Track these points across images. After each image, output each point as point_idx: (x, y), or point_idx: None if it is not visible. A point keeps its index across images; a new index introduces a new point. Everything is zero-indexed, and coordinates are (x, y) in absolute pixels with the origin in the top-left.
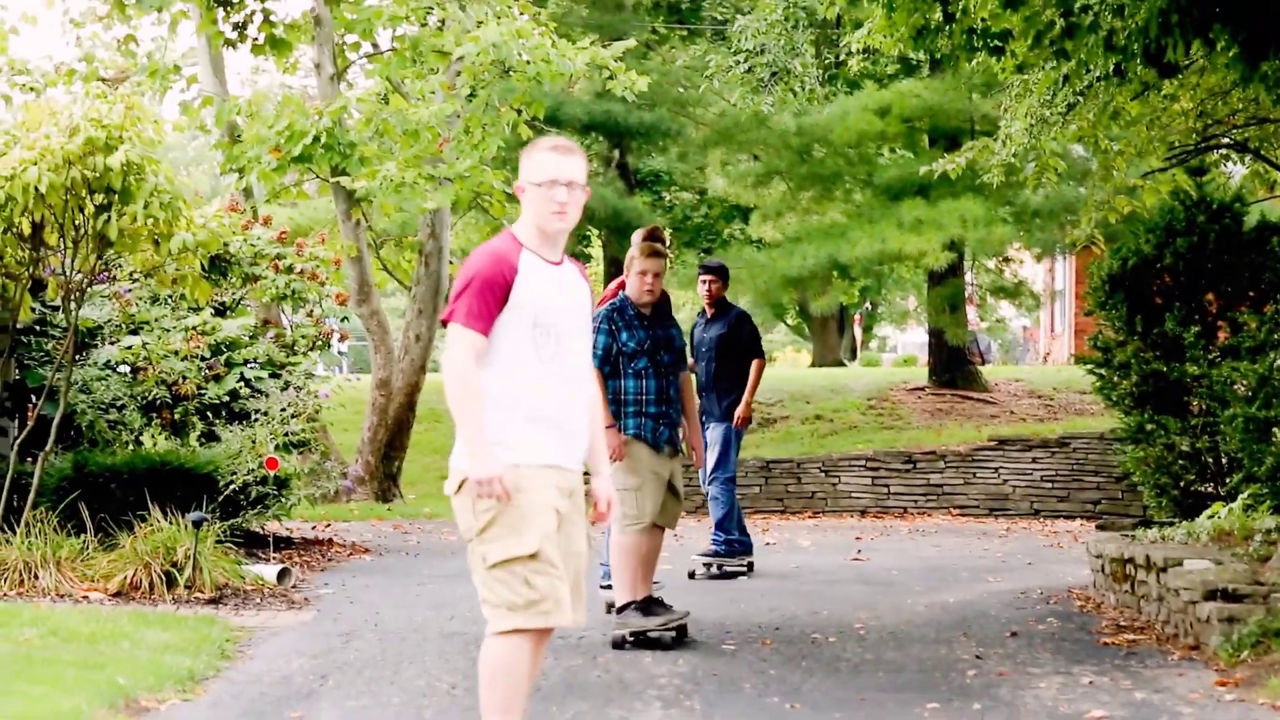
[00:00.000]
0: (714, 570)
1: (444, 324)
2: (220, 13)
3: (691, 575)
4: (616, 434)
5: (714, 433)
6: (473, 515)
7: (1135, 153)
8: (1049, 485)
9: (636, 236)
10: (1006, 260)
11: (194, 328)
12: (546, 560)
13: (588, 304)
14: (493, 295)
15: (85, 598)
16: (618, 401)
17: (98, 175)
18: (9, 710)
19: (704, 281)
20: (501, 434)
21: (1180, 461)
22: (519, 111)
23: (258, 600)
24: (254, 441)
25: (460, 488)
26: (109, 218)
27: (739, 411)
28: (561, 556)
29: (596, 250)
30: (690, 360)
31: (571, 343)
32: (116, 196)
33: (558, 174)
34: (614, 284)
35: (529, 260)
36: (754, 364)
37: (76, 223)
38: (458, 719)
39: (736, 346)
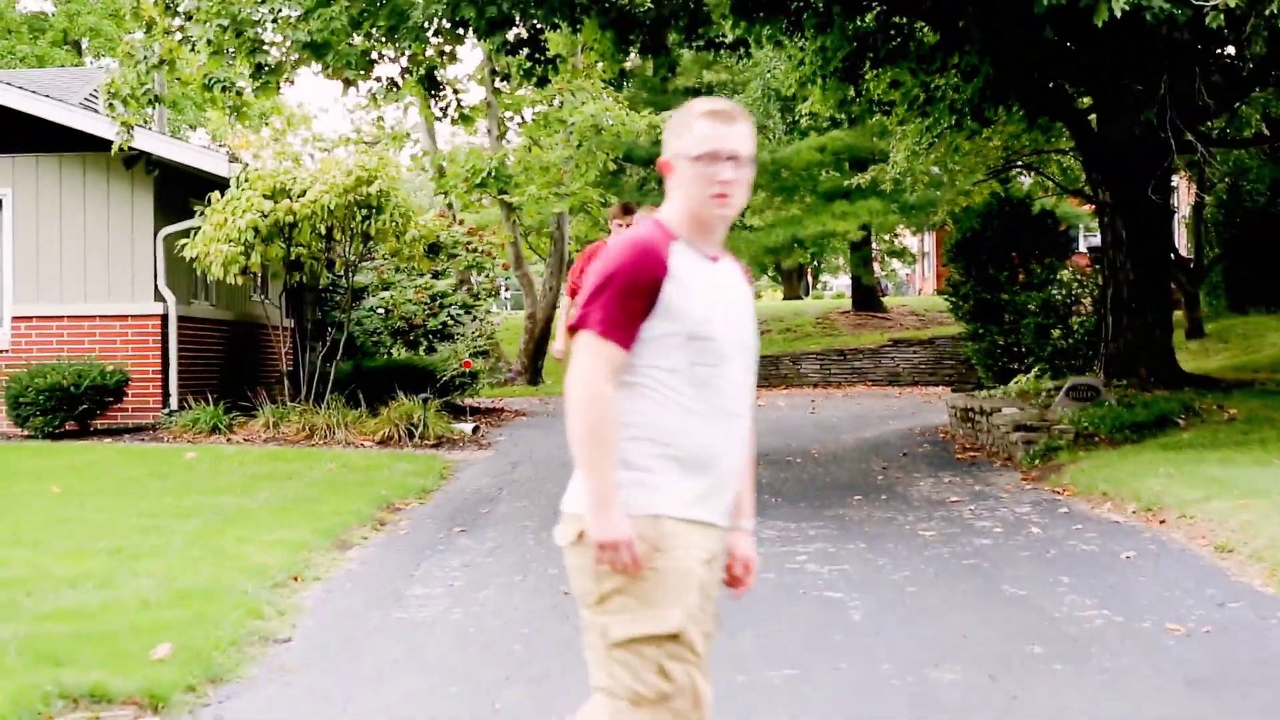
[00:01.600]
0: None
1: (571, 332)
2: (432, 101)
3: None
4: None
5: None
6: (592, 578)
7: (968, 170)
8: (923, 366)
9: (614, 210)
10: (895, 235)
11: (420, 285)
12: (687, 644)
13: (751, 312)
14: (638, 299)
15: (362, 445)
16: None
17: (363, 198)
18: (324, 508)
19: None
20: (642, 473)
21: (999, 350)
22: (607, 154)
23: (461, 445)
24: (456, 352)
25: (578, 538)
26: (370, 222)
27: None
28: (702, 641)
29: None
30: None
31: (733, 363)
32: (374, 209)
33: (719, 145)
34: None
35: (683, 255)
36: None
37: (351, 226)
38: None
39: None
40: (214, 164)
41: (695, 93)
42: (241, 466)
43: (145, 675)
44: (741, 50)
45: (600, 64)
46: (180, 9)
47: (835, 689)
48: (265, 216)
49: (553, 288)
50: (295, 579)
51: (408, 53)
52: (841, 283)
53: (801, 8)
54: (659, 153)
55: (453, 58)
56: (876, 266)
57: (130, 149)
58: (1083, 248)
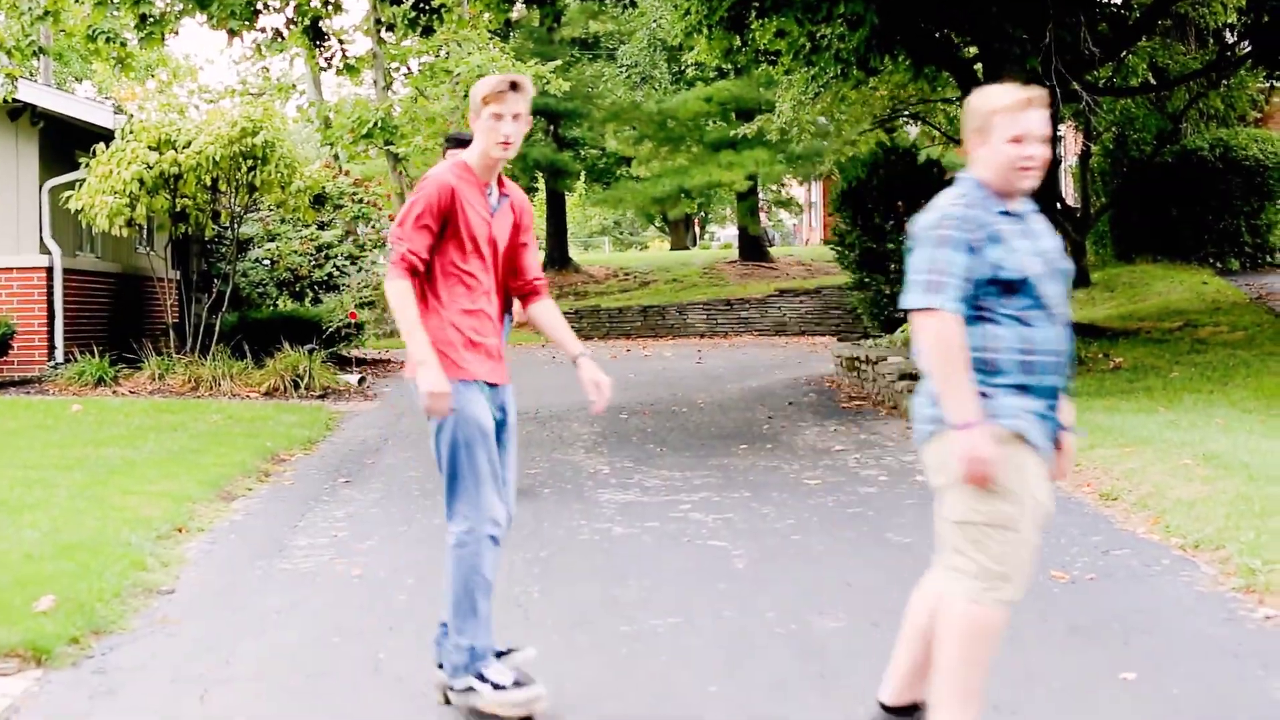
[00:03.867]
0: None
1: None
2: (317, 52)
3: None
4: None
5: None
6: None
7: (855, 120)
8: (810, 316)
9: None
10: (782, 185)
11: (306, 237)
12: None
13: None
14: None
15: (247, 397)
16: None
17: (248, 149)
18: (209, 460)
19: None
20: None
21: (885, 299)
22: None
23: (346, 396)
24: (342, 303)
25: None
26: (255, 173)
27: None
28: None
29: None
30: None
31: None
32: (259, 160)
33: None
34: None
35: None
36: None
37: (236, 177)
38: None
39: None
40: (99, 116)
41: (582, 43)
42: (127, 419)
43: (28, 627)
44: (626, 1)
45: (486, 14)
46: None
47: (718, 636)
48: (150, 168)
49: None
50: (179, 530)
51: (293, 3)
52: (728, 233)
53: None
54: (546, 103)
55: (338, 8)
56: (763, 216)
57: (15, 101)
58: None
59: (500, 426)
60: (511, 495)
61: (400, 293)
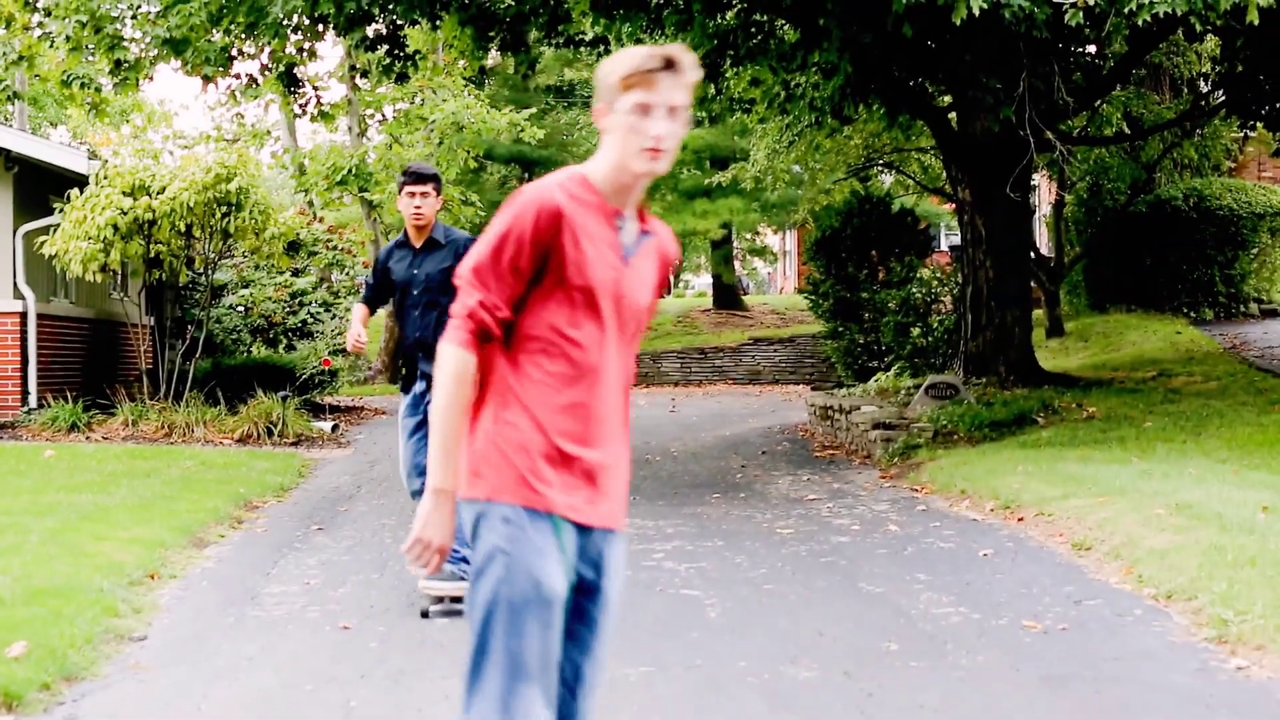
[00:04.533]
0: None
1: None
2: (292, 99)
3: (425, 615)
4: None
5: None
6: None
7: (829, 169)
8: (784, 365)
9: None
10: (756, 233)
11: (280, 283)
12: None
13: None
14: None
15: (221, 443)
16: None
17: (223, 195)
18: (182, 506)
19: (412, 194)
20: None
21: (859, 349)
22: (468, 151)
23: (320, 443)
24: (316, 350)
25: None
26: (230, 219)
27: None
28: None
29: None
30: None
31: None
32: (234, 207)
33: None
34: None
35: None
36: None
37: (211, 223)
38: None
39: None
40: (73, 161)
41: (557, 90)
42: (100, 464)
43: None
44: (602, 48)
45: (461, 61)
46: (39, 5)
47: (691, 686)
48: (125, 214)
49: None
50: (152, 577)
51: (267, 49)
52: (703, 281)
53: (662, 4)
54: (520, 151)
55: (312, 54)
56: (738, 265)
57: None
58: (943, 246)
59: (588, 594)
60: (585, 706)
61: (455, 371)
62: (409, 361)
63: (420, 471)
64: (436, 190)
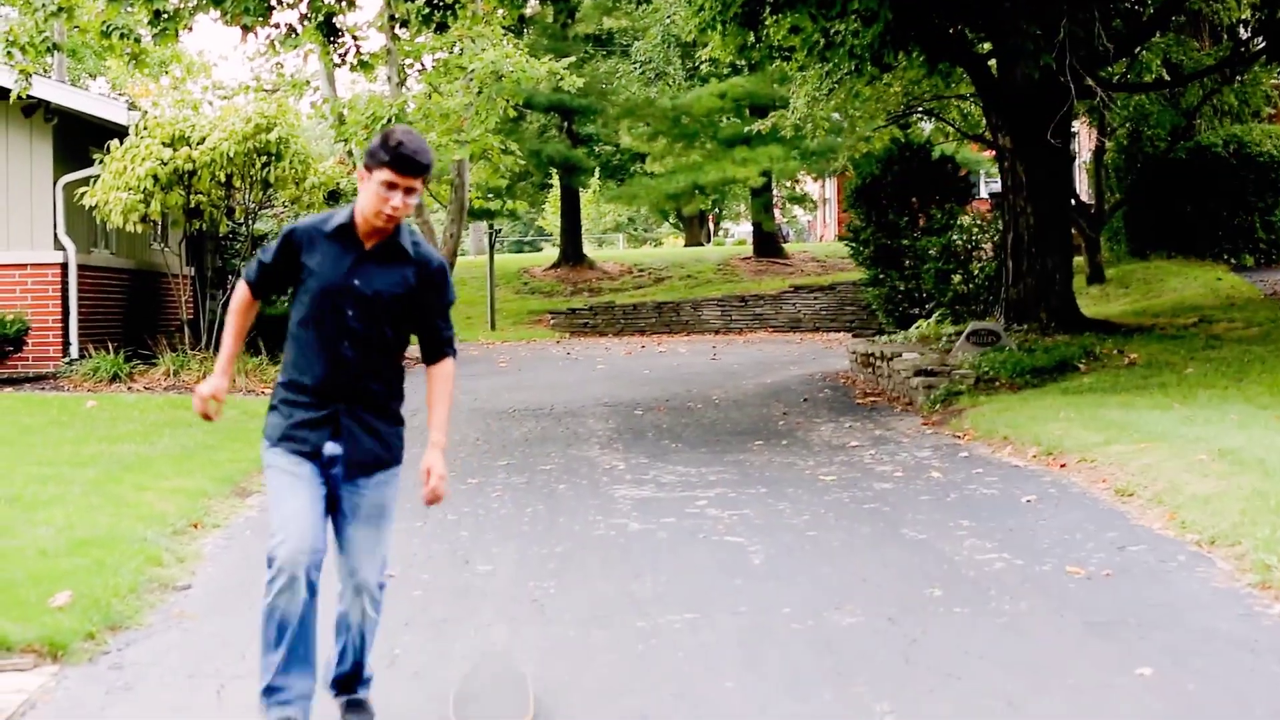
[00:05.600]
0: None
1: None
2: (331, 48)
3: None
4: None
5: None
6: None
7: (869, 116)
8: (825, 312)
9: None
10: (796, 181)
11: None
12: None
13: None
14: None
15: (262, 393)
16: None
17: (262, 145)
18: (224, 456)
19: (393, 184)
20: None
21: (899, 296)
22: (507, 100)
23: None
24: None
25: None
26: (270, 169)
27: (432, 465)
28: None
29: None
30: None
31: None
32: (273, 157)
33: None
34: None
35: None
36: (443, 367)
37: (251, 174)
38: (485, 456)
39: (418, 315)
40: (113, 112)
41: (596, 39)
42: (141, 414)
43: (44, 623)
44: None
45: (500, 10)
46: None
47: (735, 633)
48: (165, 164)
49: (453, 235)
50: (195, 526)
51: None
52: (743, 229)
53: None
54: (560, 99)
55: (351, 4)
56: (778, 213)
57: (29, 97)
58: (983, 193)
59: None
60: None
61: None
62: (316, 405)
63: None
64: (425, 185)
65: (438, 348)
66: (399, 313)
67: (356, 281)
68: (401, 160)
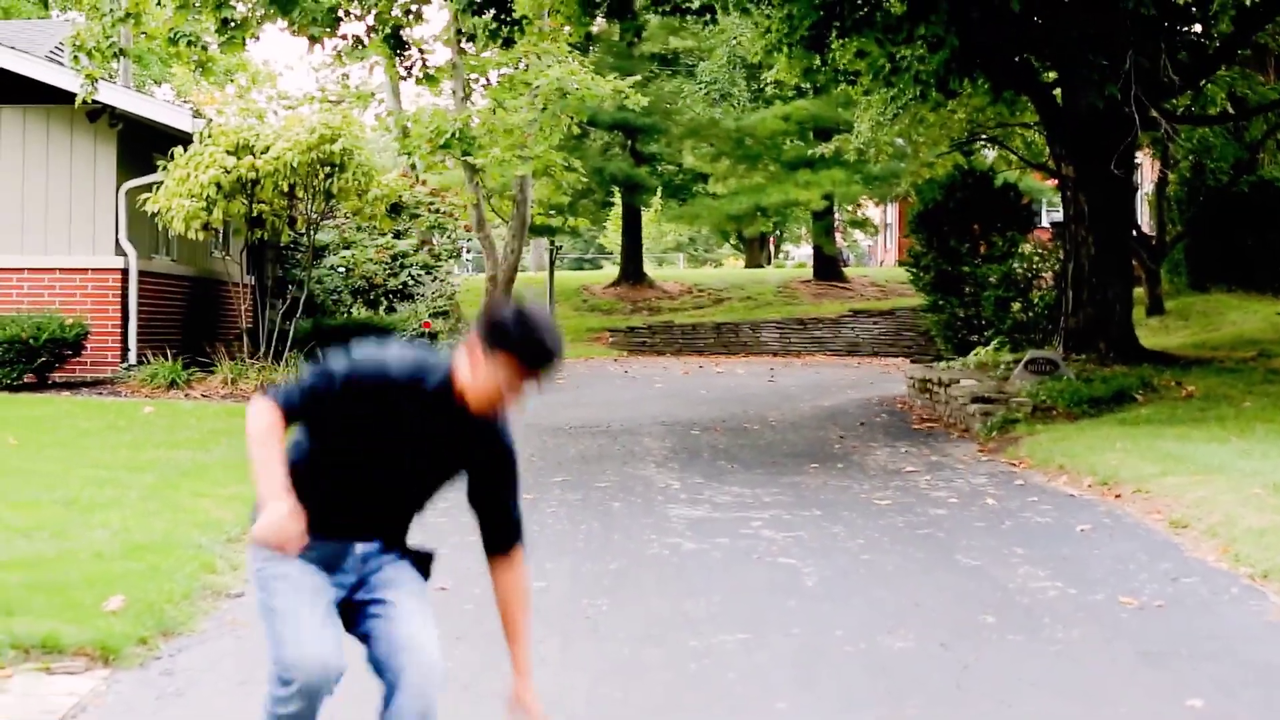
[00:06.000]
0: None
1: None
2: (397, 61)
3: None
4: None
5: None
6: None
7: (932, 142)
8: (883, 337)
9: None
10: (858, 205)
11: (381, 245)
12: None
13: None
14: None
15: None
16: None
17: (326, 156)
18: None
19: (533, 375)
20: None
21: (959, 322)
22: (571, 118)
23: None
24: (416, 312)
25: None
26: (333, 180)
27: (524, 700)
28: None
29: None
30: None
31: None
32: (337, 168)
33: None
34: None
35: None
36: (516, 559)
37: (314, 184)
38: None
39: (490, 492)
40: (178, 119)
41: (661, 59)
42: (199, 422)
43: (97, 627)
44: (708, 16)
45: (567, 27)
46: None
47: (789, 654)
48: (228, 172)
49: (514, 250)
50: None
51: (374, 11)
52: (803, 252)
53: None
54: (624, 118)
55: (419, 17)
56: (839, 236)
57: (94, 102)
58: (1045, 222)
59: None
60: None
61: None
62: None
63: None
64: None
65: (509, 532)
66: (447, 477)
67: (435, 433)
68: (547, 356)
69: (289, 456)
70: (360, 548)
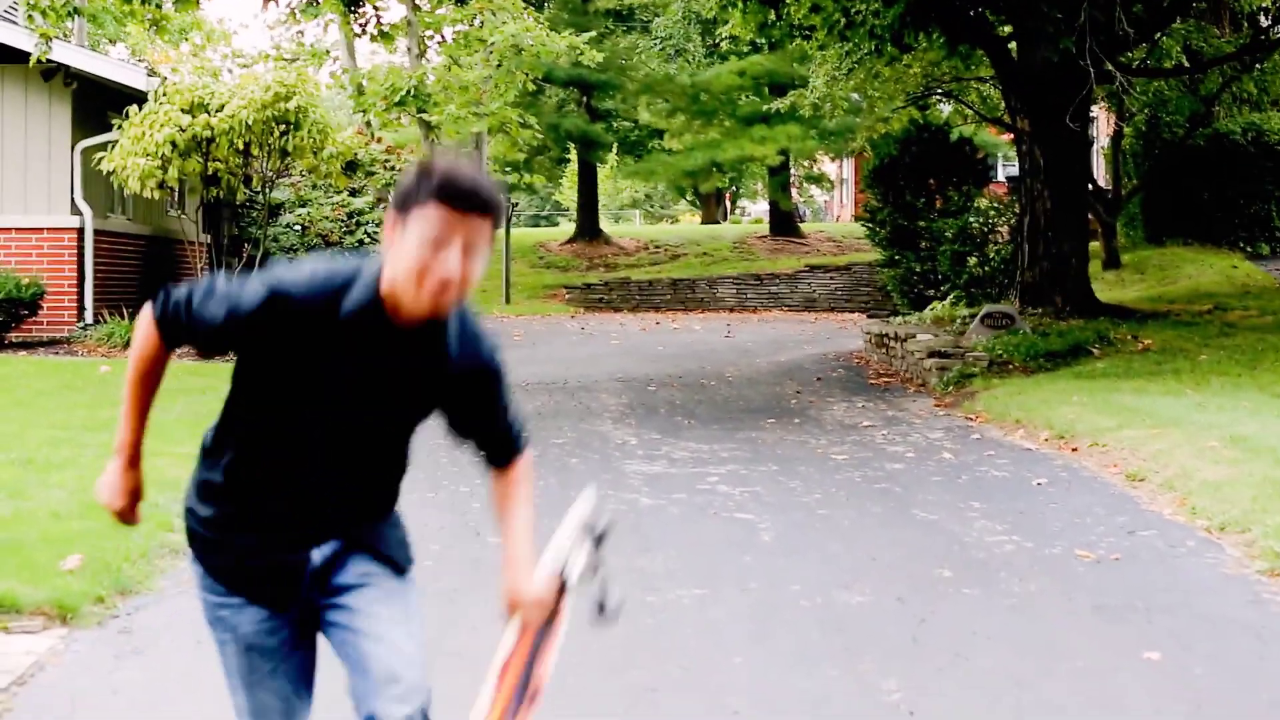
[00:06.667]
0: None
1: None
2: (352, 18)
3: None
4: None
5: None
6: None
7: (888, 97)
8: (839, 292)
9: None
10: (814, 161)
11: (337, 203)
12: None
13: None
14: None
15: None
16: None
17: (281, 114)
18: None
19: (451, 226)
20: None
21: (915, 277)
22: (527, 74)
23: None
24: None
25: None
26: (288, 138)
27: (517, 592)
28: None
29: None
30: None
31: None
32: (292, 126)
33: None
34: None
35: None
36: (521, 467)
37: (269, 142)
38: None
39: (471, 418)
40: (132, 77)
41: (617, 14)
42: None
43: (54, 586)
44: None
45: None
46: None
47: (744, 609)
48: (183, 131)
49: None
50: None
51: None
52: (760, 208)
53: None
54: (579, 74)
55: None
56: (795, 192)
57: (49, 61)
58: (1001, 176)
59: None
60: None
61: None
62: (274, 544)
63: None
64: (490, 242)
65: (505, 448)
66: (411, 412)
67: (371, 369)
68: (458, 192)
69: (220, 420)
70: (317, 556)
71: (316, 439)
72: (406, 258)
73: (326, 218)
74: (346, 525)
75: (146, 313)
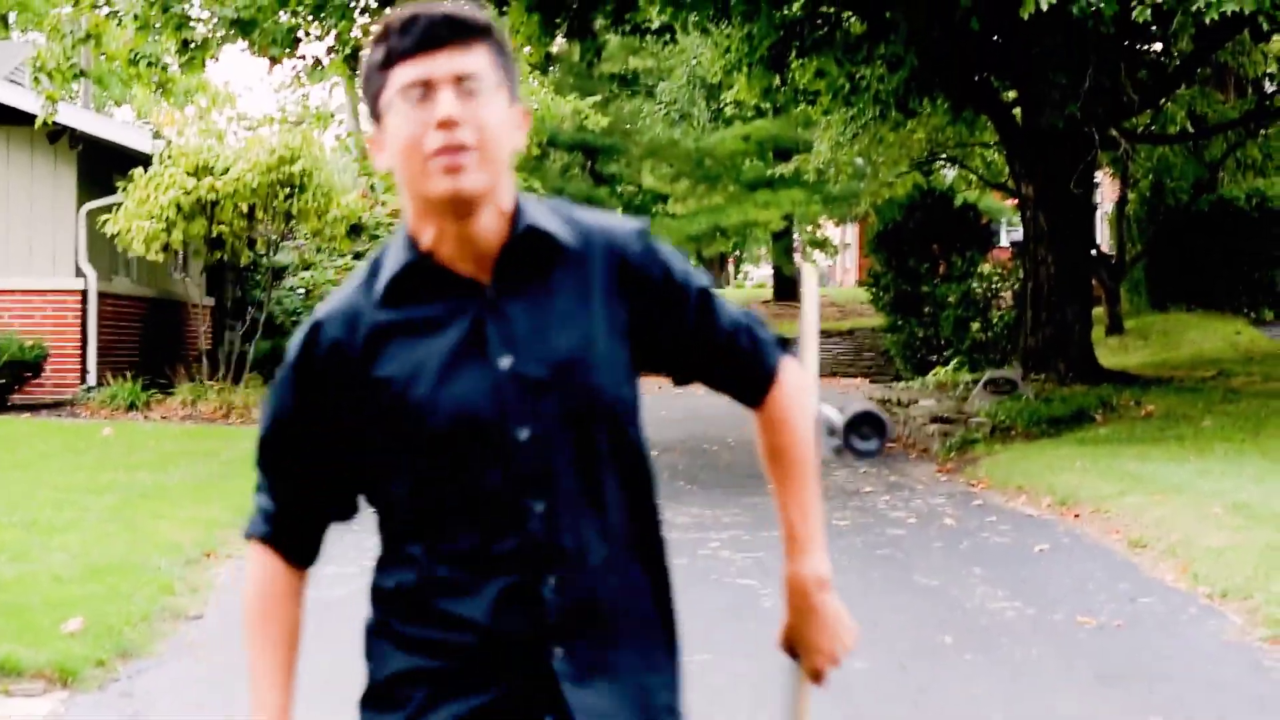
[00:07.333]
0: None
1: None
2: (357, 81)
3: None
4: None
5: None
6: None
7: (892, 162)
8: (843, 357)
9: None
10: (818, 225)
11: (342, 266)
12: None
13: None
14: None
15: None
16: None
17: (286, 177)
18: (240, 486)
19: (422, 86)
20: None
21: (918, 342)
22: (531, 139)
23: None
24: None
25: None
26: (292, 201)
27: (808, 592)
28: None
29: None
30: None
31: None
32: (297, 189)
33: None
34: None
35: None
36: (784, 388)
37: (273, 205)
38: None
39: (668, 348)
40: (138, 140)
41: (622, 79)
42: (158, 444)
43: (56, 649)
44: (668, 36)
45: (527, 48)
46: None
47: (746, 675)
48: (188, 193)
49: None
50: (208, 556)
51: (333, 32)
52: (763, 273)
53: None
54: (584, 139)
55: None
56: (798, 257)
57: (55, 123)
58: (1005, 242)
59: None
60: None
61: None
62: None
63: None
64: (493, 57)
65: (746, 368)
66: (592, 395)
67: (505, 361)
68: (407, 34)
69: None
70: (558, 661)
71: (475, 479)
72: (395, 144)
73: (330, 281)
74: (587, 615)
75: (245, 545)
